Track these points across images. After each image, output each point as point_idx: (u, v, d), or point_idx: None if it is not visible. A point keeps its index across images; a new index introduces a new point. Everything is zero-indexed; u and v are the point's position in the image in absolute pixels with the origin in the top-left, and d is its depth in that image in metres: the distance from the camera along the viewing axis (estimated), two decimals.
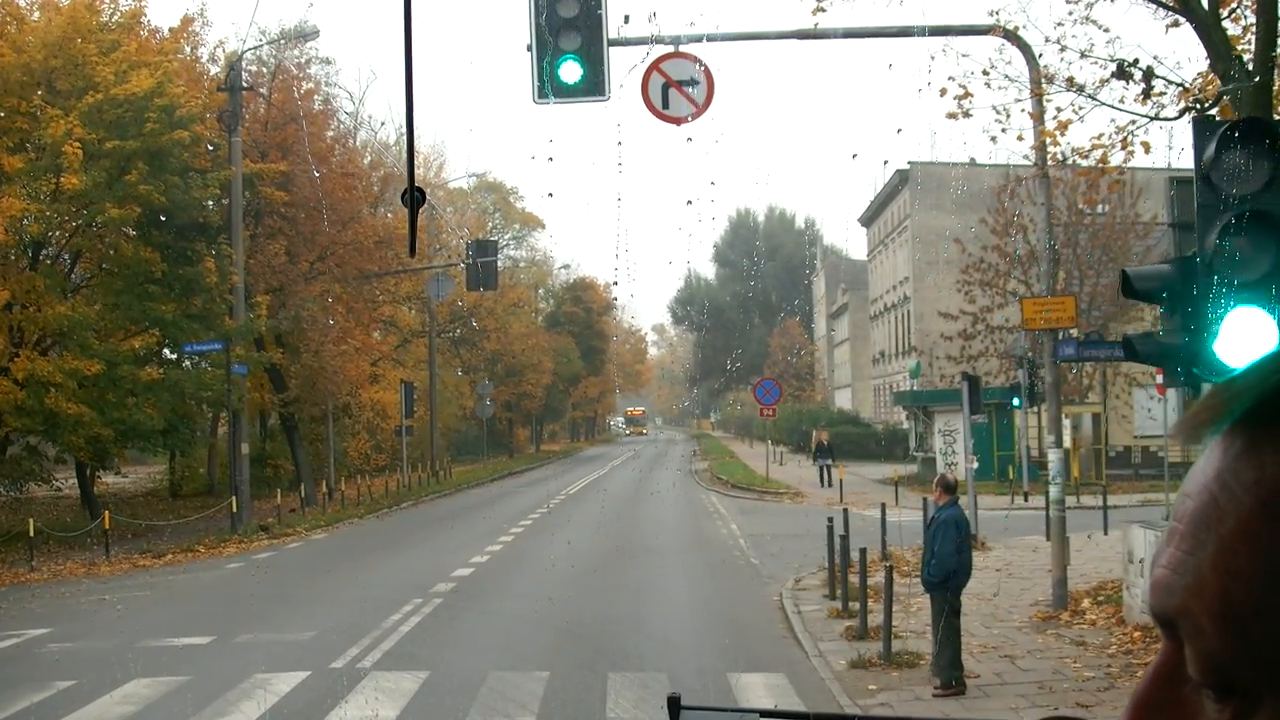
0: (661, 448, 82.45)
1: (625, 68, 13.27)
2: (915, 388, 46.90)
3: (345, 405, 40.06)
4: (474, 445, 59.99)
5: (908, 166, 57.05)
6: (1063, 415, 34.97)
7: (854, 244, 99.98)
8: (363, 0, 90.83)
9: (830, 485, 33.88)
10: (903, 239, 59.86)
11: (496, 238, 57.53)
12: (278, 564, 20.67)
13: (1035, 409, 32.21)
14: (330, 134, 36.31)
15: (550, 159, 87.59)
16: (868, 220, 69.47)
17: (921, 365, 39.57)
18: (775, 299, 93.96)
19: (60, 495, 34.80)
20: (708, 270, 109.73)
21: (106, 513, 23.45)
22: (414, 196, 2.56)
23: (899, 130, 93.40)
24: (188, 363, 29.66)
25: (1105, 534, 21.46)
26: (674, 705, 1.81)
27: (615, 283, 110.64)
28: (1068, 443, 35.50)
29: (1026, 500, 29.37)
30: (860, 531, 16.83)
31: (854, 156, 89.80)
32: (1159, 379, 27.52)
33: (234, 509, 25.62)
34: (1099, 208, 36.18)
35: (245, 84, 29.13)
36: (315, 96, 35.72)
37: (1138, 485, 33.22)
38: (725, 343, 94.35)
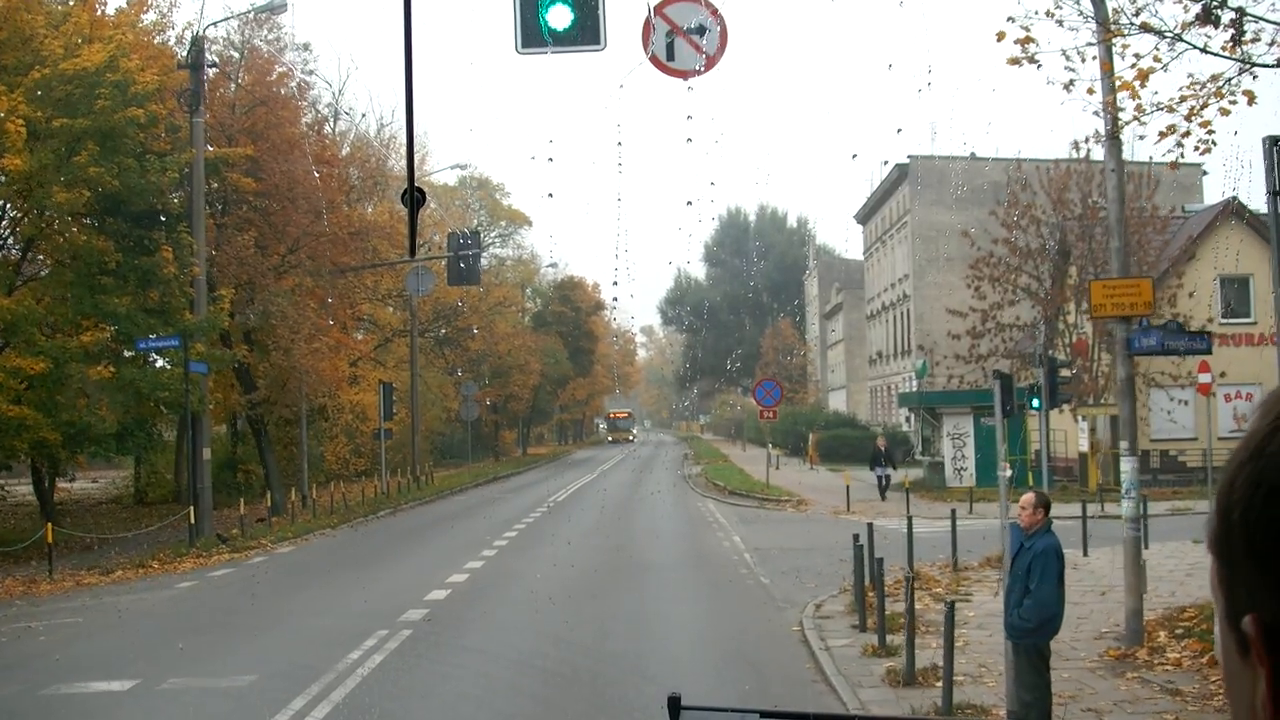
0: (651, 451, 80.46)
1: (623, 13, 11.28)
2: (920, 388, 44.97)
3: (321, 407, 37.97)
4: (459, 449, 57.96)
5: (907, 161, 55.23)
6: (1079, 417, 33.22)
7: (849, 244, 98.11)
8: None
9: (883, 498, 30.83)
10: (902, 235, 57.99)
11: (481, 233, 55.48)
12: (233, 584, 18.59)
13: (1055, 410, 30.37)
14: (306, 119, 34.24)
15: (550, 159, 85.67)
16: (864, 217, 67.54)
17: (928, 364, 37.63)
18: (767, 299, 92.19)
19: (20, 503, 32.71)
20: (698, 270, 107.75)
21: (49, 525, 21.31)
22: (414, 196, 2.67)
23: (899, 130, 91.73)
24: (159, 361, 27.52)
25: (1146, 547, 19.54)
26: (674, 705, 1.88)
27: (615, 283, 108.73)
28: (1084, 445, 33.68)
29: None
30: (881, 547, 14.87)
31: (854, 157, 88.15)
32: (1201, 378, 25.62)
33: (192, 520, 23.51)
34: None
35: (210, 63, 27.06)
36: (289, 81, 33.65)
37: (1160, 492, 31.18)
38: (716, 344, 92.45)
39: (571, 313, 74.67)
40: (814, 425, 57.32)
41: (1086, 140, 11.95)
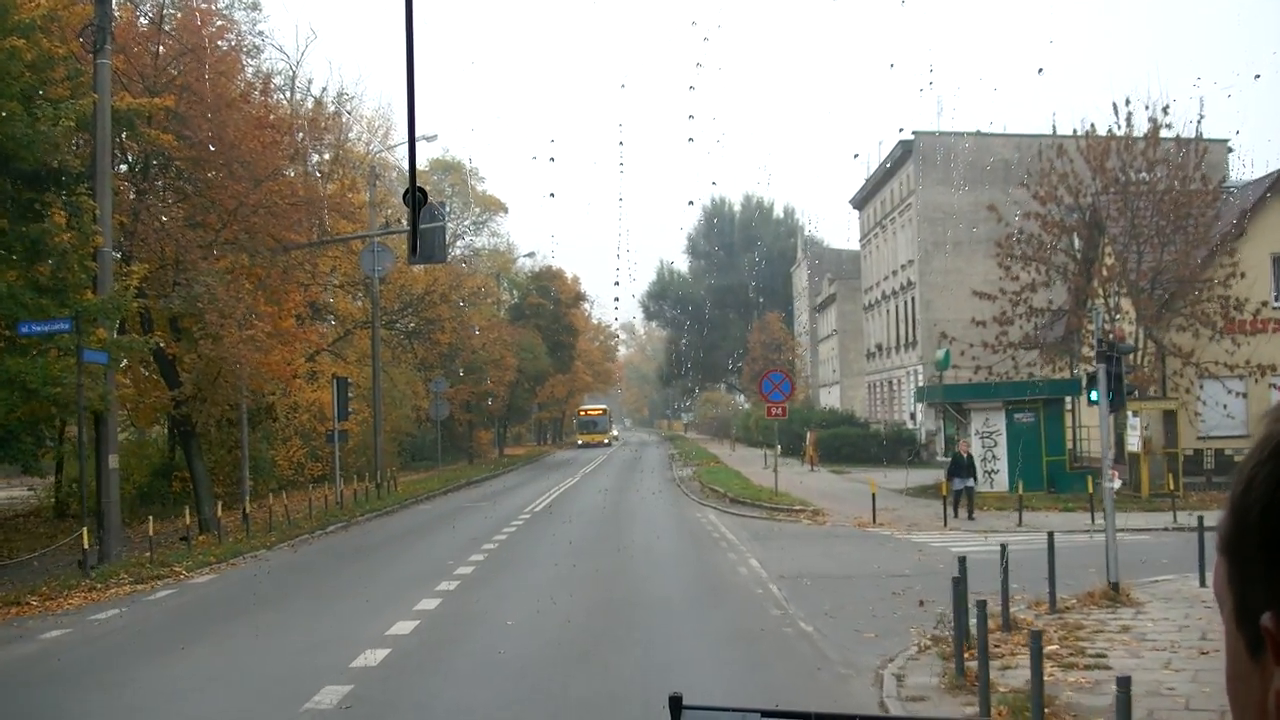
0: (634, 451, 76.35)
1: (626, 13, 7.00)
2: (930, 382, 41.00)
3: (269, 406, 33.61)
4: (429, 450, 53.66)
5: (911, 138, 51.18)
6: (1130, 412, 29.13)
7: (849, 232, 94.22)
8: None
9: (971, 516, 24.90)
10: (905, 218, 53.96)
11: (450, 210, 51.12)
12: (109, 634, 14.31)
13: (1092, 405, 26.51)
14: (249, 71, 29.95)
15: (552, 159, 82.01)
16: (861, 201, 63.44)
17: (951, 354, 33.67)
18: (753, 293, 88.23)
19: None
20: (681, 263, 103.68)
21: None
22: (415, 197, 2.50)
23: (901, 130, 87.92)
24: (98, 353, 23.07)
25: None
26: (675, 704, 1.81)
27: (617, 283, 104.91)
28: (1136, 445, 29.74)
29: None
30: (935, 573, 10.75)
31: (855, 157, 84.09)
32: None
33: (86, 543, 19.16)
34: (1156, 171, 30.62)
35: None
36: (228, 34, 29.33)
37: (1217, 496, 27.10)
38: (700, 339, 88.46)
39: (550, 305, 70.50)
40: (811, 423, 53.27)
41: (1128, 103, 7.62)
